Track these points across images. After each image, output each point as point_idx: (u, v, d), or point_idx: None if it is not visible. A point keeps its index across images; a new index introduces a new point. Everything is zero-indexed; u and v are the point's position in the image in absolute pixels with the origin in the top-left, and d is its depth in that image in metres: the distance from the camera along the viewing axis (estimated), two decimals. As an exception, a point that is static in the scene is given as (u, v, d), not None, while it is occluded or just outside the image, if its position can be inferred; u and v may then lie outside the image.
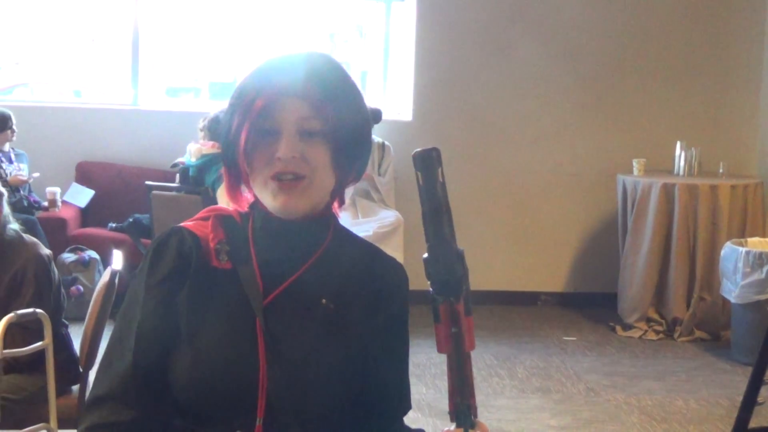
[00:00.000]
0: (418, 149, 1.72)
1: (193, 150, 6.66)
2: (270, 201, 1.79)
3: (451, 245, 1.69)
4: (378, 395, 1.89)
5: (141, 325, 1.78)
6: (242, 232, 1.86)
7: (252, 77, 1.80)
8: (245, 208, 1.89)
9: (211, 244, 1.83)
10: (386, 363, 1.90)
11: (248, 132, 1.76)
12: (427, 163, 1.74)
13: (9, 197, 7.13)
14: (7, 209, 3.88)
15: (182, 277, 1.80)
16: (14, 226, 3.91)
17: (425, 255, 1.70)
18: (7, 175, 7.24)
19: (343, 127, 1.80)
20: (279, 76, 1.77)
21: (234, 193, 1.87)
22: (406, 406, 1.99)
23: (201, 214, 1.90)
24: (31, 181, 7.52)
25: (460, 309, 1.70)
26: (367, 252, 1.95)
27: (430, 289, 1.71)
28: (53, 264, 3.93)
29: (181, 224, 1.88)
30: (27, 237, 3.94)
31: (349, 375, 1.83)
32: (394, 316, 1.91)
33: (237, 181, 1.85)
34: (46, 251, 3.90)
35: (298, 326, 1.80)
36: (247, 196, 1.88)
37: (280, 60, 1.82)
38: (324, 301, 1.82)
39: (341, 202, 1.89)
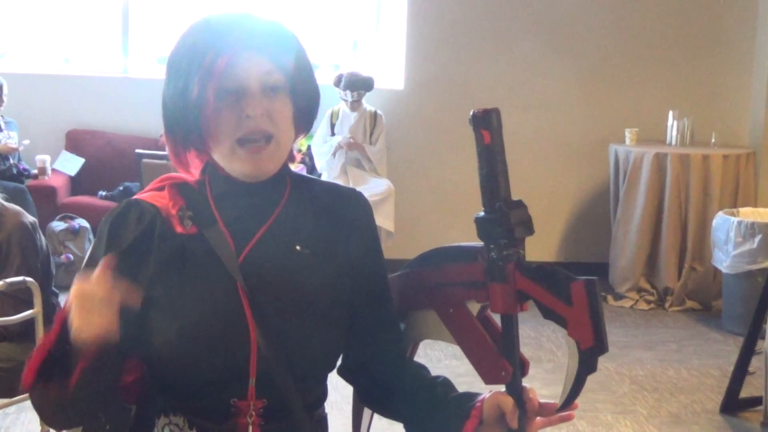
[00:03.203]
0: (477, 109, 1.75)
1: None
2: (239, 167, 1.75)
3: (517, 204, 1.75)
4: (371, 331, 1.88)
5: None
6: (201, 196, 1.82)
7: (201, 37, 1.74)
8: (196, 175, 1.85)
9: (173, 211, 1.78)
10: (373, 296, 1.89)
11: (215, 95, 1.71)
12: (488, 123, 1.76)
13: (-2, 165, 7.16)
14: None
15: (145, 249, 1.76)
16: None
17: (480, 214, 1.76)
18: (-6, 138, 7.24)
19: (301, 79, 1.78)
20: (233, 33, 1.72)
21: (182, 159, 1.83)
22: (401, 338, 1.96)
23: (153, 184, 1.86)
24: (21, 149, 7.48)
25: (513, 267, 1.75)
26: (326, 190, 1.93)
27: (489, 248, 1.75)
28: (39, 232, 3.88)
29: (136, 196, 1.84)
30: (10, 206, 3.88)
31: (338, 317, 1.82)
32: (369, 249, 1.90)
33: (185, 147, 1.80)
34: (29, 219, 3.86)
35: (277, 278, 1.77)
36: (196, 161, 1.83)
37: (225, 19, 1.76)
38: (299, 247, 1.80)
39: (291, 158, 1.85)
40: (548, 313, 1.73)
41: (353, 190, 1.95)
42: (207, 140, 1.75)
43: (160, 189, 1.84)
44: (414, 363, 1.95)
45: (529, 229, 1.76)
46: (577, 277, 1.71)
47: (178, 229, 1.77)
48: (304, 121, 1.83)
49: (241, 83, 1.72)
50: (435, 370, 1.90)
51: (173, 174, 1.87)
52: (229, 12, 1.79)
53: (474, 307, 1.84)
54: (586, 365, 1.73)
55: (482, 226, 1.77)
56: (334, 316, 1.81)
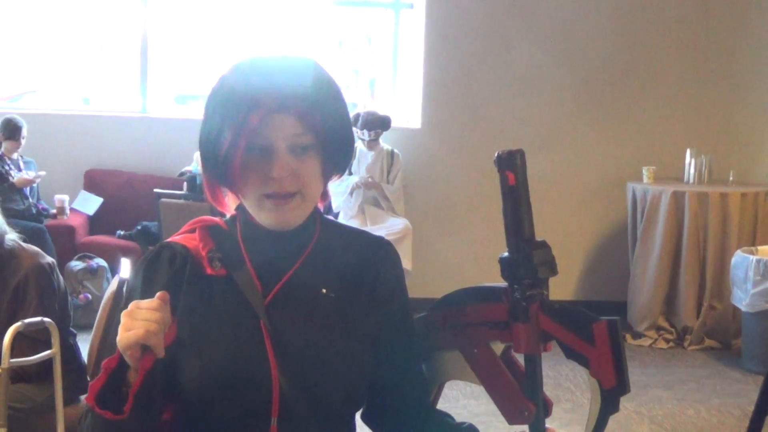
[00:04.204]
0: (502, 150, 1.75)
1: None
2: (264, 218, 1.79)
3: (540, 245, 1.76)
4: (395, 377, 1.90)
5: None
6: (231, 237, 1.87)
7: (238, 87, 1.75)
8: (231, 211, 1.90)
9: (203, 253, 1.83)
10: (397, 344, 1.90)
11: (244, 149, 1.73)
12: (512, 164, 1.77)
13: (17, 204, 7.20)
14: (1, 220, 3.82)
15: (177, 290, 1.79)
16: (12, 236, 3.84)
17: (504, 254, 1.77)
18: (13, 178, 7.28)
19: (331, 135, 1.79)
20: (269, 91, 1.73)
21: (216, 195, 1.87)
22: (425, 385, 1.97)
23: (186, 227, 1.90)
24: (38, 180, 7.53)
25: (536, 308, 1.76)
26: (355, 236, 1.97)
27: (513, 289, 1.76)
28: (56, 272, 3.88)
29: (169, 239, 1.88)
30: (27, 246, 3.87)
31: (361, 360, 1.83)
32: (395, 296, 1.92)
33: (219, 185, 1.84)
34: (47, 260, 3.85)
35: (301, 320, 1.80)
36: (230, 201, 1.88)
37: (268, 67, 1.78)
38: (324, 290, 1.84)
39: (325, 197, 1.89)
40: (571, 353, 1.74)
41: (382, 238, 1.97)
42: (235, 189, 1.80)
43: (192, 231, 1.89)
44: (438, 411, 1.96)
45: (553, 270, 1.77)
46: (599, 317, 1.71)
47: (208, 271, 1.82)
48: (338, 168, 1.86)
49: (270, 143, 1.74)
50: (453, 410, 1.90)
51: (205, 217, 1.92)
52: (269, 58, 1.80)
53: (498, 348, 1.85)
54: (609, 405, 1.73)
55: (506, 267, 1.78)
56: (358, 359, 1.82)
